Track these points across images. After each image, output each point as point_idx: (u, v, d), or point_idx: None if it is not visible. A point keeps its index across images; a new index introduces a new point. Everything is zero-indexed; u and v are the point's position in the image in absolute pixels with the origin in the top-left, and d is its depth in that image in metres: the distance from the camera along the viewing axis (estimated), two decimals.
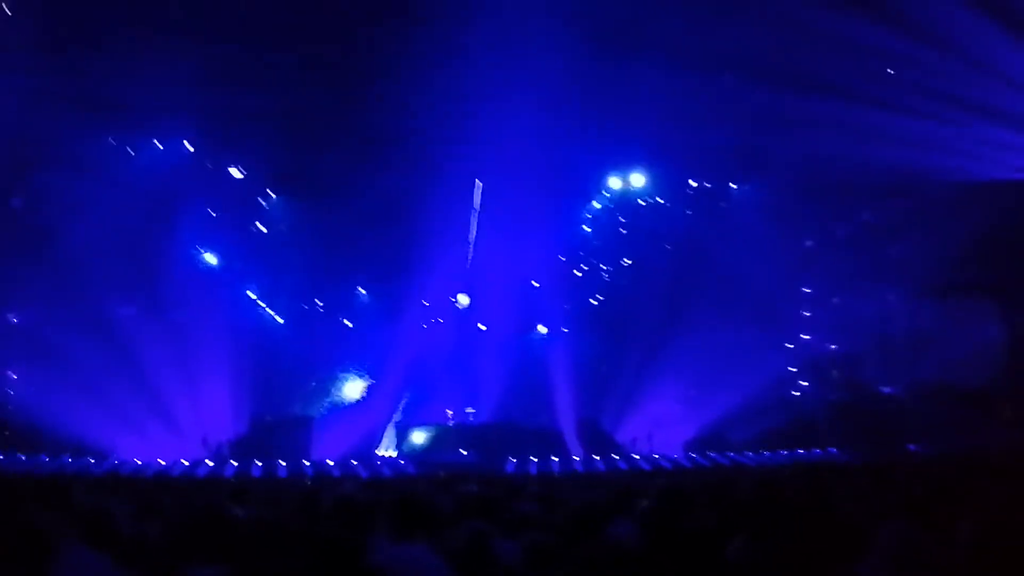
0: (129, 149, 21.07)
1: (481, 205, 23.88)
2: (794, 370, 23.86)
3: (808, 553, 2.57)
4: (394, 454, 21.88)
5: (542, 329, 24.71)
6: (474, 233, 24.05)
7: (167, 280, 20.63)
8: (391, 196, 21.41)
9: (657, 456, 20.76)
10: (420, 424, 22.67)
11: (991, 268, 20.96)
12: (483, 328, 24.58)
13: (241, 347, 20.87)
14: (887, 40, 17.62)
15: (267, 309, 24.10)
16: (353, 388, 24.48)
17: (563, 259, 24.86)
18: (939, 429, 18.52)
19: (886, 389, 23.03)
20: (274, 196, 23.67)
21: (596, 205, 25.13)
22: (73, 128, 18.66)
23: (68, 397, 18.11)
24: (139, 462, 18.69)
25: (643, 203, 25.18)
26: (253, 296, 23.86)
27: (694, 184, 24.88)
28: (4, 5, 17.79)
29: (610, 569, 2.81)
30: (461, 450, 21.07)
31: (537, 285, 24.45)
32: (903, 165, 19.57)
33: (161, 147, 21.55)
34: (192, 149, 21.82)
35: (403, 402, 23.60)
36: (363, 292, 24.88)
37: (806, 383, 23.88)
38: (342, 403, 24.17)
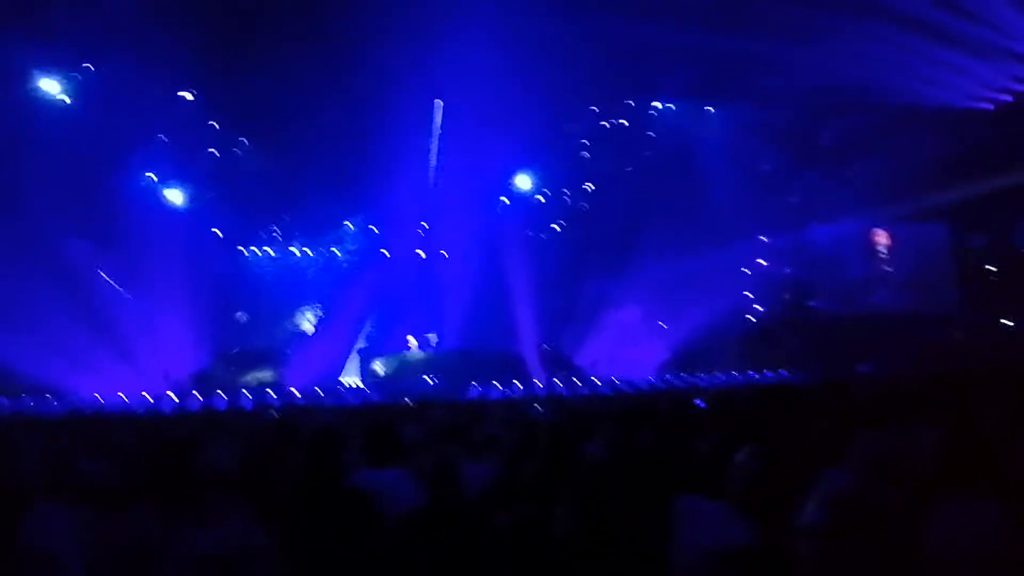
0: (77, 75, 20.06)
1: (442, 127, 23.42)
2: (750, 294, 24.35)
3: (777, 463, 2.67)
4: (358, 383, 22.00)
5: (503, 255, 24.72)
6: (435, 156, 23.67)
7: (121, 213, 20.01)
8: (350, 120, 20.90)
9: (616, 379, 21.23)
10: (383, 352, 22.77)
11: (945, 193, 21.43)
12: (445, 255, 24.54)
13: (200, 279, 20.53)
14: None
15: (222, 237, 23.63)
16: (315, 317, 24.38)
17: (528, 183, 24.75)
18: (890, 351, 19.15)
19: (839, 312, 23.67)
20: (230, 124, 22.92)
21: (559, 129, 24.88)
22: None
23: (22, 336, 17.65)
24: (100, 399, 18.49)
25: (606, 125, 25.04)
26: (211, 227, 23.35)
27: (658, 106, 24.80)
28: None
29: (573, 485, 2.88)
30: (425, 377, 21.28)
31: (504, 203, 24.38)
32: (862, 87, 19.66)
33: (93, 69, 20.45)
34: (141, 75, 20.90)
35: (365, 330, 23.61)
36: (323, 219, 24.49)
37: (762, 307, 24.41)
38: (304, 333, 24.10)
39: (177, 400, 18.64)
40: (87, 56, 19.81)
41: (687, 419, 6.17)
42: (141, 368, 19.90)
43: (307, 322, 24.33)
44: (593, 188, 25.28)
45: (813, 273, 24.28)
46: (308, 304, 24.43)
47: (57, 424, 10.24)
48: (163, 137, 21.84)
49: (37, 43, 18.27)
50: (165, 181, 22.51)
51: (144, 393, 18.90)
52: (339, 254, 24.74)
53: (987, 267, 23.28)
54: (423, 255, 24.71)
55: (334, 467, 3.70)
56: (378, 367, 22.13)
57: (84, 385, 18.95)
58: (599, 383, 20.73)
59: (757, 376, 21.24)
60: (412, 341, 22.88)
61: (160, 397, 18.84)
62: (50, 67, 19.48)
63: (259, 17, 18.70)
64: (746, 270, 24.44)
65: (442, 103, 23.00)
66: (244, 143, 23.21)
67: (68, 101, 19.74)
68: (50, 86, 19.48)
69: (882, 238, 24.23)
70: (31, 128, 18.78)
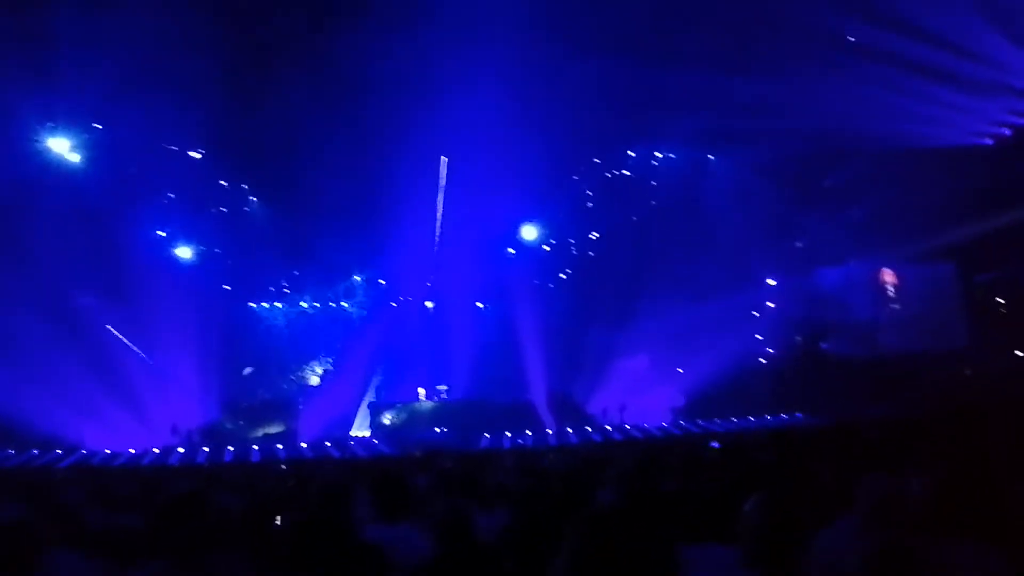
0: (86, 134, 20.39)
1: (448, 180, 23.69)
2: (760, 337, 24.26)
3: (787, 509, 2.66)
4: (368, 434, 21.88)
5: (511, 305, 24.75)
6: (440, 210, 23.90)
7: (132, 269, 20.14)
8: (358, 175, 21.17)
9: (628, 426, 21.07)
10: (393, 404, 22.67)
11: (950, 232, 21.41)
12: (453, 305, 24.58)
13: (210, 333, 20.59)
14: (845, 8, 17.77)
15: (233, 291, 23.76)
16: (324, 370, 24.37)
17: (534, 234, 24.90)
18: (899, 390, 18.97)
19: (851, 353, 23.50)
20: (239, 180, 23.21)
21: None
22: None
23: (32, 389, 17.68)
24: (109, 452, 18.45)
25: (609, 176, 25.29)
26: (221, 282, 23.49)
27: (659, 155, 25.05)
28: None
29: (587, 534, 2.86)
30: (435, 428, 21.15)
31: (511, 253, 24.55)
32: (865, 129, 19.82)
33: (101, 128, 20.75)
34: (150, 133, 21.27)
35: (375, 382, 23.56)
36: (332, 273, 24.62)
37: (772, 349, 24.30)
38: (314, 385, 24.06)
39: (185, 453, 18.58)
40: (95, 115, 20.13)
41: (698, 465, 6.12)
42: (150, 422, 19.87)
43: (316, 375, 24.32)
44: (599, 236, 25.41)
45: (823, 315, 24.19)
46: (318, 357, 24.45)
47: (67, 476, 10.21)
48: (172, 194, 22.12)
49: (47, 102, 18.64)
50: (175, 237, 22.74)
51: (155, 449, 18.86)
52: (348, 307, 24.84)
53: (994, 304, 23.13)
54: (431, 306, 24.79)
55: (344, 521, 3.68)
56: (388, 418, 22.02)
57: (93, 438, 18.93)
58: (610, 430, 20.57)
59: (770, 420, 21.05)
60: (421, 392, 22.82)
61: (168, 450, 18.77)
62: (59, 125, 19.81)
63: (267, 76, 19.08)
64: (756, 313, 24.41)
65: (447, 159, 23.28)
66: (253, 200, 23.49)
67: (77, 159, 20.02)
68: (59, 144, 19.78)
69: (890, 277, 24.20)
70: (43, 187, 19.06)
